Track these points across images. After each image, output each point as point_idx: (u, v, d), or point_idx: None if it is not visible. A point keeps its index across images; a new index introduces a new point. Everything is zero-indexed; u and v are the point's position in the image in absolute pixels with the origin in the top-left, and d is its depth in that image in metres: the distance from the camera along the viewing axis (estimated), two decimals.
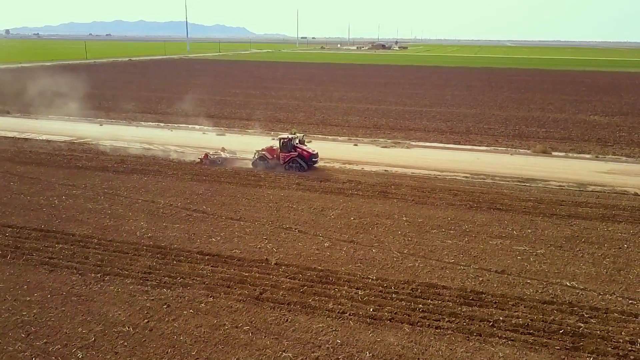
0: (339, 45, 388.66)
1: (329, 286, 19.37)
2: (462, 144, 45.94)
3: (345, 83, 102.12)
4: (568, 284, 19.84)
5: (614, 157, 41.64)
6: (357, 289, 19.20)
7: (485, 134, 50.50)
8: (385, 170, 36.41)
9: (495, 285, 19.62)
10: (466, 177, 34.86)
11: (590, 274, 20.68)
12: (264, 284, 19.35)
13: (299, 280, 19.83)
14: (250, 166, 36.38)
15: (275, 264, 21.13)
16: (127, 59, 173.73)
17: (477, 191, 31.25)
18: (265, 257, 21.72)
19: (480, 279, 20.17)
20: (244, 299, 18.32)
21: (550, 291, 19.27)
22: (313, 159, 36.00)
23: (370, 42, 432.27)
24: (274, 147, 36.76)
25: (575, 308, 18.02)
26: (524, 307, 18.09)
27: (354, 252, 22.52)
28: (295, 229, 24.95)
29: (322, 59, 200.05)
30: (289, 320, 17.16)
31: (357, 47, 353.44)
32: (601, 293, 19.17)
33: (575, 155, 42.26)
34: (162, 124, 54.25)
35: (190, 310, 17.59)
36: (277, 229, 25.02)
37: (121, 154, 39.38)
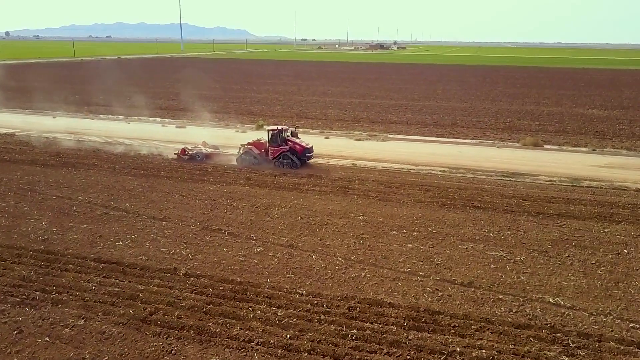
0: (336, 46, 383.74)
1: (243, 304, 15.05)
2: (445, 137, 41.60)
3: (334, 79, 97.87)
4: (551, 300, 15.51)
5: (613, 150, 37.29)
6: (278, 307, 14.88)
7: (472, 127, 46.14)
8: (353, 164, 32.10)
9: (457, 303, 15.28)
10: (443, 171, 30.53)
11: (581, 288, 16.34)
12: (159, 301, 15.04)
13: (207, 295, 15.52)
14: (235, 163, 31.32)
15: (185, 274, 16.84)
16: (116, 57, 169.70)
17: (453, 187, 26.93)
18: (174, 265, 17.43)
19: (440, 293, 15.83)
20: (125, 322, 14.01)
21: (527, 310, 14.93)
22: (307, 154, 31.08)
23: (368, 43, 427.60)
24: (262, 141, 31.62)
25: (558, 334, 13.68)
26: (491, 332, 13.75)
27: (288, 259, 18.20)
28: (225, 231, 20.63)
29: (317, 57, 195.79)
30: (174, 351, 12.84)
31: (355, 47, 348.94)
32: (594, 313, 14.82)
33: (569, 148, 37.89)
34: (121, 117, 49.99)
35: (46, 339, 13.26)
36: (204, 230, 20.71)
37: (59, 147, 35.15)
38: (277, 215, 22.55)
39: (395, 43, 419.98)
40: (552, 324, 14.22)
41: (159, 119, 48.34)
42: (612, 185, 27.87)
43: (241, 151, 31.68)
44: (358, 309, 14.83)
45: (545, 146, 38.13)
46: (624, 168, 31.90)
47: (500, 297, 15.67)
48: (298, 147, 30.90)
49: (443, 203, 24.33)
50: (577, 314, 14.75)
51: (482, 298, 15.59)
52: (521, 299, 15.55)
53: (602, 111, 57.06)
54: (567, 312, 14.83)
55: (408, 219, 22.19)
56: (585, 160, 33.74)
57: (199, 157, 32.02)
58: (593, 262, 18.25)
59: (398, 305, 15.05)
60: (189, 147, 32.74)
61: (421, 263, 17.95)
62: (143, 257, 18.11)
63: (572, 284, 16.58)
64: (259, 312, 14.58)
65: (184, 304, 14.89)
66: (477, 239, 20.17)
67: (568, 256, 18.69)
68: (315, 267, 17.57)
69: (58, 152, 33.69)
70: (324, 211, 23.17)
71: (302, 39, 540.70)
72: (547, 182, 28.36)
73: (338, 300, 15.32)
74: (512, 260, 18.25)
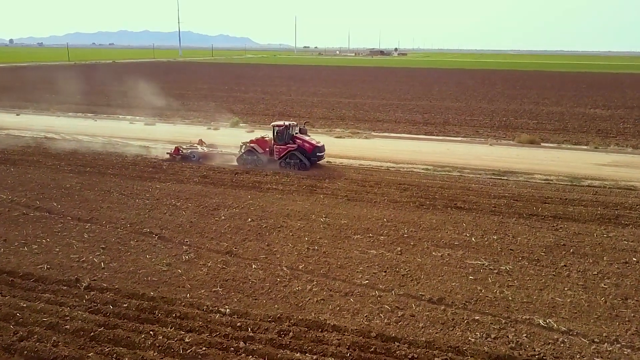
0: (337, 52, 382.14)
1: (145, 326, 11.75)
2: (434, 135, 38.34)
3: (327, 81, 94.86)
4: (542, 322, 12.15)
5: (617, 148, 33.92)
6: (188, 331, 11.58)
7: (465, 125, 42.86)
8: (327, 162, 28.81)
9: (420, 326, 11.93)
10: (426, 169, 27.23)
11: (580, 306, 12.97)
12: (38, 322, 11.75)
13: (104, 315, 12.22)
14: (235, 163, 27.81)
15: (87, 287, 13.55)
16: (110, 61, 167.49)
17: (435, 185, 23.63)
18: (77, 275, 14.15)
19: (400, 313, 12.49)
20: None
21: (510, 336, 11.58)
22: (317, 153, 27.30)
23: (369, 49, 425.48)
24: (266, 139, 28.14)
25: None
26: None
27: (221, 269, 14.89)
28: (156, 235, 17.36)
29: (315, 62, 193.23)
30: None
31: (355, 54, 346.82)
32: (596, 340, 11.46)
33: (569, 146, 34.56)
34: (89, 115, 46.88)
35: None
36: (131, 234, 17.44)
37: (6, 143, 32.03)
38: (223, 217, 19.27)
39: (396, 50, 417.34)
40: (542, 354, 10.89)
41: (129, 117, 45.26)
42: (617, 184, 24.53)
43: (242, 150, 28.16)
44: (291, 333, 11.52)
45: (543, 144, 34.83)
46: (630, 166, 28.57)
47: (477, 317, 12.32)
48: (307, 145, 27.09)
49: (421, 203, 21.03)
50: (574, 341, 11.41)
51: (453, 319, 12.24)
52: (503, 321, 12.20)
53: (604, 110, 53.72)
54: (561, 339, 11.49)
55: (377, 221, 18.89)
56: (586, 159, 30.41)
57: (194, 157, 28.58)
58: (595, 272, 14.91)
59: (344, 328, 11.73)
60: (184, 147, 29.39)
61: (383, 274, 14.62)
62: (45, 265, 14.84)
63: (568, 300, 13.23)
64: (161, 337, 11.28)
65: (68, 327, 11.60)
66: (455, 244, 16.84)
67: (564, 266, 15.35)
68: (251, 278, 14.27)
69: (3, 149, 30.60)
70: (280, 212, 19.89)
71: (304, 47, 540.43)
72: (543, 181, 25.05)
73: (268, 321, 12.01)
74: (495, 271, 14.91)
